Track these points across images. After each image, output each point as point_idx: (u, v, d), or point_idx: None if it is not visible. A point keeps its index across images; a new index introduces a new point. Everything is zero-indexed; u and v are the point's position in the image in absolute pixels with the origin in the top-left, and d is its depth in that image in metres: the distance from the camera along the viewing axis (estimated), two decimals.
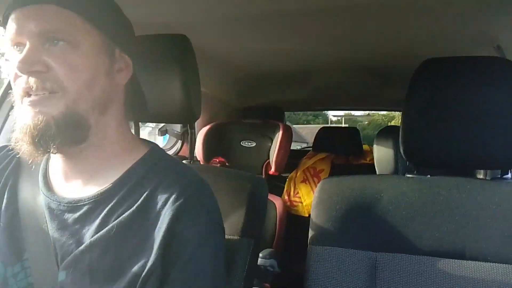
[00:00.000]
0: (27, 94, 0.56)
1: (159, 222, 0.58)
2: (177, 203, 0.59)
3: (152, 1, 1.03)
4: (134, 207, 0.60)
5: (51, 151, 0.58)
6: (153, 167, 0.65)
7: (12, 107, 0.62)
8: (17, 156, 0.69)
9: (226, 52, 1.60)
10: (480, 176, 0.93)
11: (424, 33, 1.28)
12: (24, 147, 0.57)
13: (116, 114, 0.65)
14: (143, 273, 0.56)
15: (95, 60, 0.60)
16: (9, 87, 1.17)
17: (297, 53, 1.60)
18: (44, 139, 0.56)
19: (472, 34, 1.24)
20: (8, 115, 1.17)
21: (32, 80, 0.55)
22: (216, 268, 0.60)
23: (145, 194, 0.61)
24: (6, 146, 0.72)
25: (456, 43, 1.32)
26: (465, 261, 0.74)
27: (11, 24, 0.57)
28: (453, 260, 0.75)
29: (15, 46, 0.58)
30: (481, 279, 0.73)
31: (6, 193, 0.66)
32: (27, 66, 0.55)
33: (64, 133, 0.57)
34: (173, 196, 0.59)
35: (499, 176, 0.87)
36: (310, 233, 0.84)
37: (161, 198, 0.60)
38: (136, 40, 0.70)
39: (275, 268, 1.55)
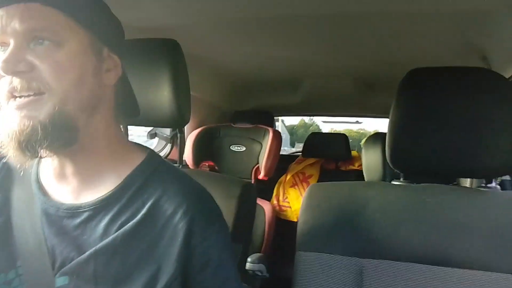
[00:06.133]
0: (13, 96, 0.55)
1: (169, 233, 0.60)
2: (189, 216, 0.60)
3: (142, 5, 1.02)
4: (139, 216, 0.60)
5: (40, 155, 0.57)
6: (153, 174, 0.65)
7: None
8: (6, 162, 0.68)
9: (217, 56, 1.60)
10: (466, 184, 0.94)
11: (411, 43, 1.30)
12: (10, 152, 0.55)
13: (105, 116, 0.64)
14: (162, 284, 0.57)
15: (82, 59, 0.58)
16: None
17: (287, 59, 1.61)
18: (30, 144, 0.54)
19: (459, 45, 1.26)
20: None
21: (16, 80, 0.54)
22: (236, 266, 0.66)
23: (149, 203, 0.61)
24: None
25: (443, 54, 1.35)
26: (450, 268, 0.75)
27: None
28: (438, 267, 0.76)
29: (0, 47, 0.57)
30: (466, 286, 0.74)
31: None
32: (11, 66, 0.53)
33: (52, 136, 0.55)
34: (183, 208, 0.60)
35: (484, 184, 0.89)
36: (298, 238, 0.84)
37: (168, 208, 0.61)
38: (126, 42, 0.70)
39: (264, 272, 1.55)
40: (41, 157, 0.58)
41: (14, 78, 0.54)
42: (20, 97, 0.54)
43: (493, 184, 0.89)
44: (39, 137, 0.54)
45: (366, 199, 0.83)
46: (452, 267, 0.75)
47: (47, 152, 0.57)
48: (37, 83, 0.54)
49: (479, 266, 0.74)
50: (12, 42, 0.54)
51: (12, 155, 0.56)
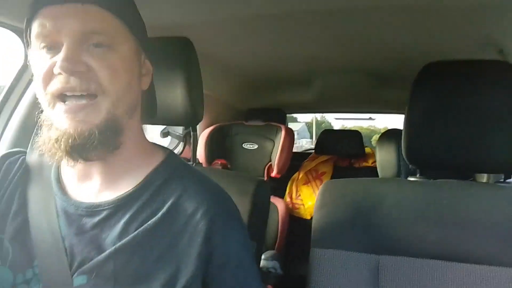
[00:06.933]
0: (61, 97, 0.55)
1: (189, 232, 0.60)
2: (209, 216, 0.60)
3: (155, 3, 1.03)
4: (159, 214, 0.60)
5: (90, 158, 0.57)
6: (173, 174, 0.65)
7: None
8: (24, 159, 0.69)
9: (229, 54, 1.60)
10: (483, 180, 0.92)
11: (426, 36, 1.28)
12: (59, 155, 0.55)
13: (137, 119, 0.66)
14: (181, 283, 0.57)
15: (131, 64, 0.60)
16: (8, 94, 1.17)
17: (300, 56, 1.60)
18: (85, 148, 0.55)
19: (475, 38, 1.24)
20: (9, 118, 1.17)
21: (74, 80, 0.53)
22: (255, 265, 0.66)
23: (170, 202, 0.61)
24: (15, 152, 0.71)
25: (459, 47, 1.32)
26: (468, 265, 0.74)
27: (45, 21, 0.54)
28: (456, 263, 0.75)
29: (45, 45, 0.55)
30: (484, 282, 0.72)
31: (15, 200, 0.64)
32: (71, 66, 0.53)
33: (106, 140, 0.56)
34: (203, 208, 0.61)
35: (502, 180, 0.87)
36: (313, 235, 0.83)
37: (188, 208, 0.61)
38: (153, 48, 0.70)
39: (278, 270, 1.55)
40: (89, 161, 0.58)
41: (71, 77, 0.54)
42: (71, 98, 0.54)
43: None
44: (95, 142, 0.55)
45: (382, 195, 0.82)
46: (470, 263, 0.74)
47: (98, 156, 0.58)
48: (95, 84, 0.55)
49: (498, 262, 0.73)
50: (67, 41, 0.54)
51: (59, 157, 0.56)
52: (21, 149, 0.72)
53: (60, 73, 0.54)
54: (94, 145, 0.55)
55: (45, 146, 0.57)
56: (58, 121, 0.55)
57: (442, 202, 0.79)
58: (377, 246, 0.78)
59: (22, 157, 0.70)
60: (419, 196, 0.81)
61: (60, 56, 0.53)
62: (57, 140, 0.55)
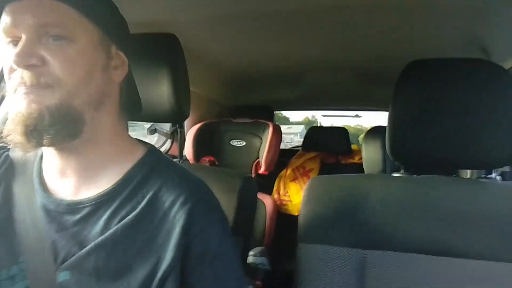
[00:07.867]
0: (21, 85, 0.55)
1: (168, 224, 0.60)
2: (187, 206, 0.60)
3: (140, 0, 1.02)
4: (138, 208, 0.60)
5: (44, 143, 0.57)
6: (154, 168, 0.66)
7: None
8: (9, 155, 0.68)
9: (216, 51, 1.59)
10: (467, 175, 0.94)
11: (411, 35, 1.30)
12: (16, 139, 0.55)
13: (111, 111, 0.65)
14: (159, 274, 0.58)
15: (91, 56, 0.59)
16: None
17: (287, 53, 1.61)
18: (37, 130, 0.55)
19: (458, 36, 1.26)
20: None
21: (27, 74, 0.54)
22: (237, 259, 0.66)
23: (148, 196, 0.62)
24: None
25: (443, 45, 1.34)
26: (452, 258, 0.75)
27: (6, 17, 0.56)
28: (440, 257, 0.76)
29: (10, 40, 0.57)
30: (468, 276, 0.74)
31: None
32: (23, 60, 0.54)
33: (58, 125, 0.56)
34: (181, 199, 0.61)
35: (484, 175, 0.89)
36: (299, 230, 0.84)
37: (166, 200, 0.61)
38: (132, 41, 0.70)
39: (266, 265, 1.56)
40: (43, 146, 0.58)
41: (24, 72, 0.54)
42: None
43: (493, 175, 0.89)
44: (45, 123, 0.55)
45: (367, 191, 0.83)
46: (453, 257, 0.75)
47: (52, 141, 0.57)
48: (46, 78, 0.55)
49: (480, 256, 0.74)
50: (24, 36, 0.55)
51: (17, 141, 0.56)
52: (5, 145, 0.72)
53: (15, 68, 0.55)
54: (46, 129, 0.55)
55: (6, 132, 0.57)
56: (17, 103, 0.56)
57: (426, 197, 0.80)
58: (362, 241, 0.79)
59: (6, 153, 0.69)
60: (404, 191, 0.82)
61: (13, 51, 0.54)
62: (13, 122, 0.55)
